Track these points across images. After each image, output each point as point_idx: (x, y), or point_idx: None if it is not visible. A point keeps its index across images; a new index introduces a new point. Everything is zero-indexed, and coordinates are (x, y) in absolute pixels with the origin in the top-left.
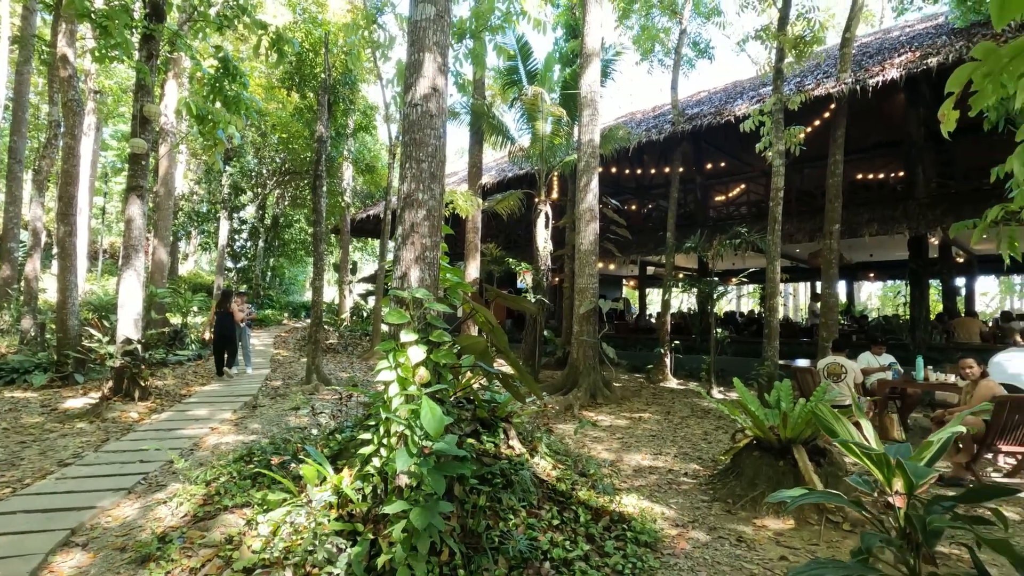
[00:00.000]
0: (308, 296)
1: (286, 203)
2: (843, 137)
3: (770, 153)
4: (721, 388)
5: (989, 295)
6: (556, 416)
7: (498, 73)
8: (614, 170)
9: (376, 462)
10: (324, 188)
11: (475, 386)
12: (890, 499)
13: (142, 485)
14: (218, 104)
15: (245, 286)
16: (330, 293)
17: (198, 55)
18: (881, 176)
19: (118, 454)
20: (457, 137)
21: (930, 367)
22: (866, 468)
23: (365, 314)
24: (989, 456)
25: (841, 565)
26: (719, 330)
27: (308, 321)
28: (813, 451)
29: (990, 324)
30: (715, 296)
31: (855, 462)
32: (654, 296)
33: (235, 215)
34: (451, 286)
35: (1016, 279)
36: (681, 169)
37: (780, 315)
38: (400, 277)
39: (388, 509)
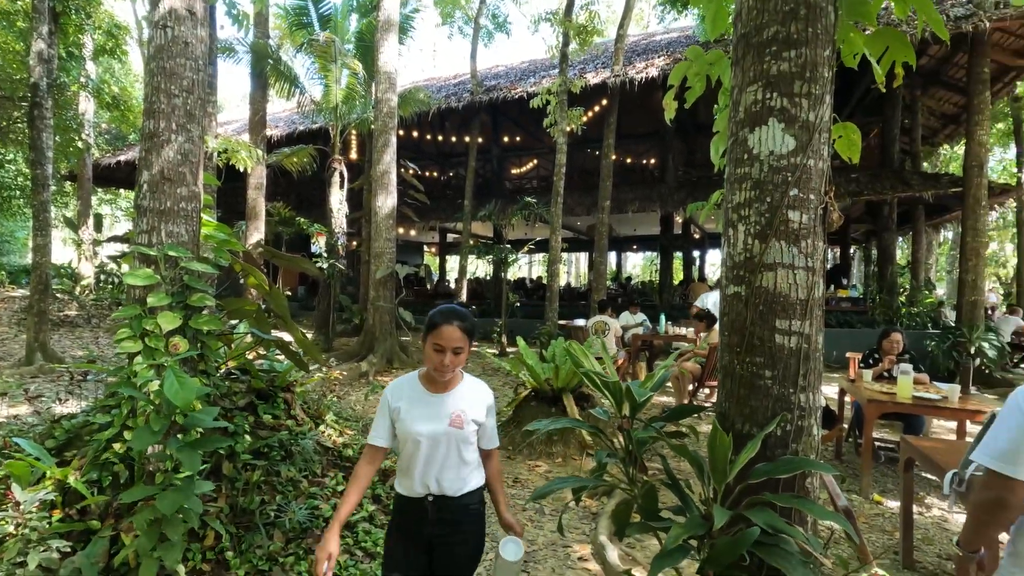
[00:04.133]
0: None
1: None
2: (615, 124)
3: (554, 131)
4: (511, 348)
5: (716, 266)
6: (350, 383)
7: (285, 11)
8: (415, 134)
9: (119, 447)
10: (50, 121)
11: (251, 356)
12: (620, 423)
13: None
14: None
15: None
16: (67, 254)
17: None
18: (643, 161)
19: None
20: (240, 81)
21: (670, 323)
22: (664, 412)
23: (116, 280)
24: (707, 391)
25: (577, 479)
26: (511, 294)
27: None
28: (579, 398)
29: (712, 288)
30: (508, 263)
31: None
32: (454, 263)
33: None
34: (218, 243)
35: None
36: (480, 140)
37: (562, 281)
38: (147, 231)
39: (126, 497)
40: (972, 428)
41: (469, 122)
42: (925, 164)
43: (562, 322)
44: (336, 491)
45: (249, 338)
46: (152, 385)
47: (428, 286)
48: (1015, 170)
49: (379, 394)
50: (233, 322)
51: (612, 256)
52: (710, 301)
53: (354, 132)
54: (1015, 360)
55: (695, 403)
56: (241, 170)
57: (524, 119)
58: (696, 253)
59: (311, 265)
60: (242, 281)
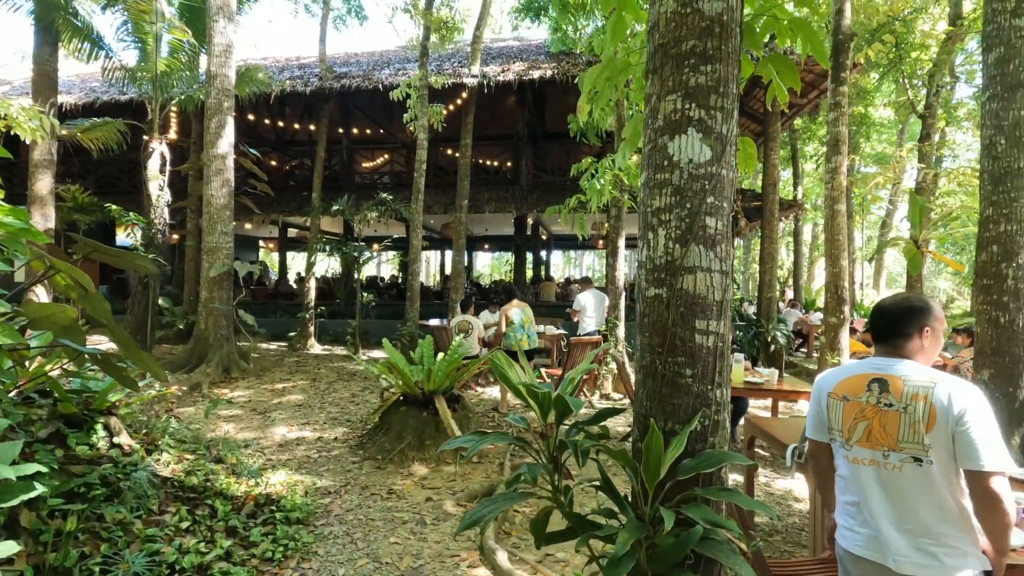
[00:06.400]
0: None
1: None
2: (472, 124)
3: (414, 126)
4: (366, 350)
5: (558, 266)
6: (181, 398)
7: None
8: (252, 117)
9: None
10: None
11: (55, 373)
12: (544, 429)
13: None
14: None
15: None
16: None
17: None
18: (498, 163)
19: None
20: (16, 33)
21: None
22: (514, 408)
23: None
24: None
25: (506, 498)
26: (365, 294)
27: None
28: (450, 399)
29: (560, 286)
30: (361, 261)
31: (479, 403)
32: (296, 260)
33: None
34: (10, 233)
35: (573, 253)
36: (328, 129)
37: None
38: None
39: None
40: (784, 406)
41: (317, 110)
42: None
43: (420, 322)
44: (180, 528)
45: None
46: None
47: (266, 284)
48: (792, 189)
49: (221, 409)
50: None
51: (464, 255)
52: (586, 299)
53: (175, 109)
54: (796, 346)
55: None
56: (26, 142)
57: (377, 111)
58: (543, 253)
59: (144, 260)
60: (19, 280)
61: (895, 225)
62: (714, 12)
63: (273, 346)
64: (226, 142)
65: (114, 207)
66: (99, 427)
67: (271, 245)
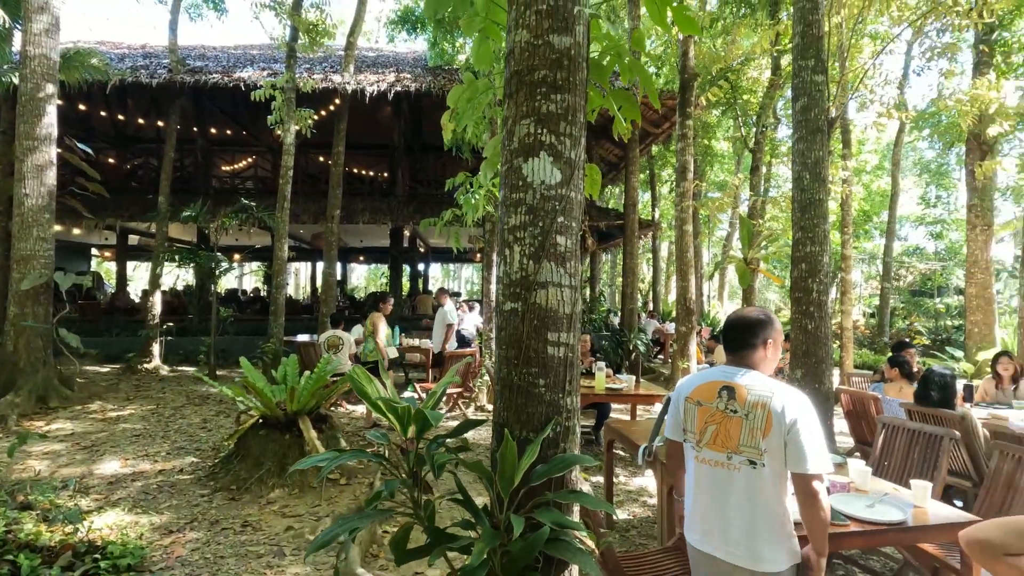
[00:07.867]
0: None
1: None
2: (345, 131)
3: (281, 130)
4: (223, 370)
5: (437, 279)
6: None
7: None
8: (84, 107)
9: None
10: None
11: None
12: (403, 444)
13: None
14: None
15: None
16: None
17: None
18: (373, 173)
19: None
20: None
21: (403, 334)
22: (376, 424)
23: None
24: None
25: (363, 515)
26: (222, 309)
27: None
28: (316, 419)
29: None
30: (218, 272)
31: (350, 422)
32: (139, 271)
33: None
34: None
35: (451, 266)
36: (179, 127)
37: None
38: None
39: None
40: (642, 408)
41: (166, 105)
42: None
43: (285, 338)
44: None
45: None
46: None
47: (98, 298)
48: (651, 209)
49: (31, 446)
50: None
51: (337, 267)
52: (463, 312)
53: None
54: (655, 353)
55: None
56: None
57: (237, 111)
58: (421, 266)
59: None
60: None
61: (734, 245)
62: (563, 46)
63: (106, 369)
64: (46, 133)
65: None
66: None
67: (107, 254)
